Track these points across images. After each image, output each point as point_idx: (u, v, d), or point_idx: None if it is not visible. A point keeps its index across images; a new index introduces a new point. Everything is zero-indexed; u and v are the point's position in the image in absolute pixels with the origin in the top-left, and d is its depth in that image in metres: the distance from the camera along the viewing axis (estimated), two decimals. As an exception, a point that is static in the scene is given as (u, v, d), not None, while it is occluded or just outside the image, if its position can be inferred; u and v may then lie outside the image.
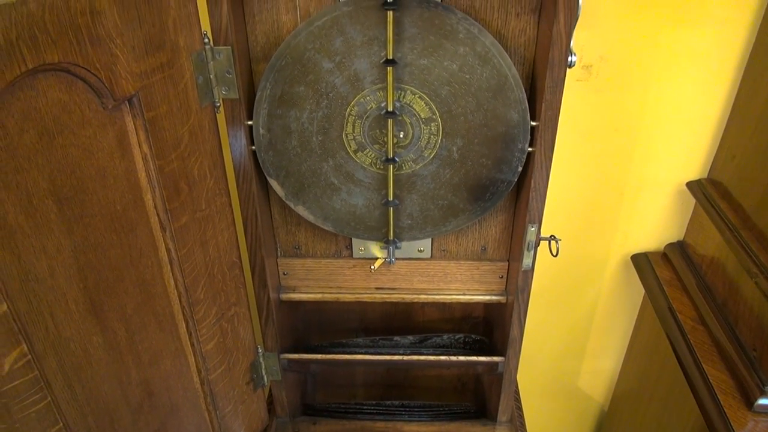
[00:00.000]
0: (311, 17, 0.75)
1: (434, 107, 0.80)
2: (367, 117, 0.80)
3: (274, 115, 0.80)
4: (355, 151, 0.83)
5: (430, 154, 0.84)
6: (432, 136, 0.82)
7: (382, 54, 0.75)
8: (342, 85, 0.78)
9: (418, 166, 0.85)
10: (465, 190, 0.87)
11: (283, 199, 0.87)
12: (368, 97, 0.79)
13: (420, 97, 0.79)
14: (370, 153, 0.83)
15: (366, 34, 0.75)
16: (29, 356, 0.57)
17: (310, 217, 0.89)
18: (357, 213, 0.89)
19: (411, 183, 0.86)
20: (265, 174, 0.84)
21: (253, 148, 0.82)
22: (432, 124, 0.82)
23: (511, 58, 0.77)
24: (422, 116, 0.81)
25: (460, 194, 0.87)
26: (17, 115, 0.51)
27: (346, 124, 0.81)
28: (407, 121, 0.81)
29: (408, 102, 0.80)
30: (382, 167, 0.84)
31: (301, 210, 0.88)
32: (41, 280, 0.57)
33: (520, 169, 0.84)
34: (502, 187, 0.86)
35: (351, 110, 0.80)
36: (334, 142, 0.82)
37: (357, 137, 0.82)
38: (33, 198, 0.55)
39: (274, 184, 0.85)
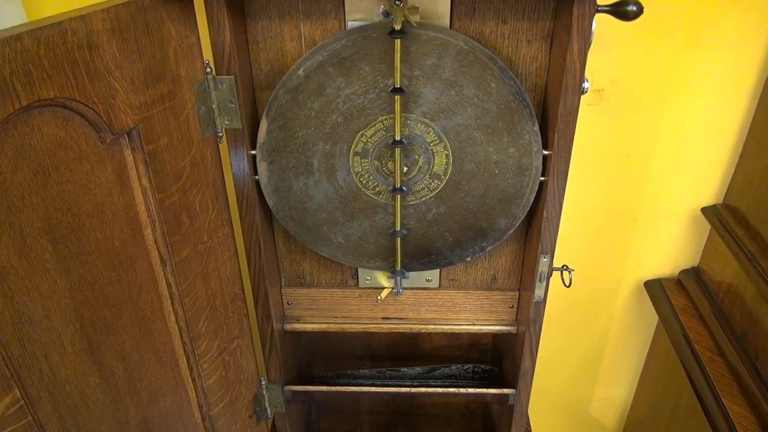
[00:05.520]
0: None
1: (450, 171, 0.79)
2: (392, 135, 0.77)
3: (324, 69, 0.73)
4: (356, 153, 0.79)
5: (411, 201, 0.82)
6: (426, 190, 0.81)
7: (390, 82, 0.73)
8: None
9: None
10: (410, 246, 0.87)
11: (256, 147, 0.78)
12: (408, 120, 0.76)
13: (447, 155, 0.78)
14: (365, 164, 0.80)
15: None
16: (22, 401, 0.54)
17: (263, 180, 0.80)
18: (306, 205, 0.83)
19: (372, 211, 0.84)
20: (264, 111, 0.76)
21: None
22: (435, 182, 0.80)
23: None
24: (434, 170, 0.79)
25: (403, 247, 0.87)
26: (11, 154, 0.49)
27: (370, 126, 0.77)
28: (419, 163, 0.79)
29: (435, 150, 0.78)
30: (364, 180, 0.81)
31: (262, 169, 0.80)
32: (35, 322, 0.55)
33: (468, 259, 0.87)
34: (443, 262, 0.88)
35: (386, 118, 0.76)
36: (346, 133, 0.78)
37: (368, 144, 0.78)
38: (27, 238, 0.52)
39: (262, 126, 0.77)
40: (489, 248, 0.86)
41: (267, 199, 0.82)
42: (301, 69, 0.73)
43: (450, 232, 0.85)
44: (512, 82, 0.73)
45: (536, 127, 0.75)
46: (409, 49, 0.71)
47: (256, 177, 0.80)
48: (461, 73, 0.72)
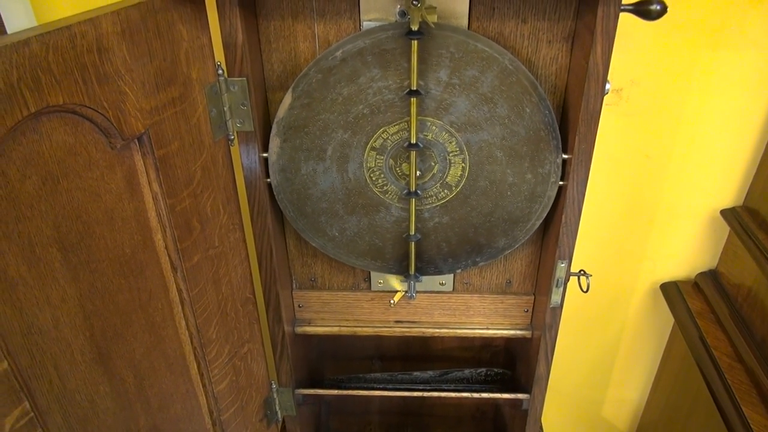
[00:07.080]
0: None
1: (462, 184, 0.78)
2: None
3: (363, 57, 0.70)
4: (373, 148, 0.77)
5: (416, 207, 0.81)
6: (433, 198, 0.80)
7: (406, 83, 0.71)
8: None
9: None
10: (404, 250, 0.85)
11: (271, 119, 0.76)
12: (433, 126, 0.75)
13: (464, 168, 0.77)
14: (380, 161, 0.78)
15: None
16: (32, 413, 0.53)
17: (272, 157, 0.77)
18: (310, 191, 0.80)
19: (374, 209, 0.82)
20: (292, 85, 0.73)
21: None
22: (445, 191, 0.79)
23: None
24: (447, 179, 0.78)
25: (397, 250, 0.85)
26: (19, 162, 0.48)
27: (394, 124, 0.75)
28: (434, 170, 0.78)
29: (453, 161, 0.77)
30: (374, 177, 0.79)
31: (273, 145, 0.77)
32: (44, 332, 0.54)
33: (459, 271, 0.88)
34: (431, 270, 0.87)
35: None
36: (368, 125, 0.75)
37: (388, 141, 0.76)
38: (36, 247, 0.51)
39: (285, 101, 0.74)
40: (482, 264, 0.86)
41: (271, 178, 0.79)
42: (340, 51, 0.70)
43: (447, 242, 0.83)
44: (547, 112, 0.71)
45: (559, 159, 0.74)
46: (453, 56, 0.70)
47: (268, 180, 0.78)
48: (499, 91, 0.71)
